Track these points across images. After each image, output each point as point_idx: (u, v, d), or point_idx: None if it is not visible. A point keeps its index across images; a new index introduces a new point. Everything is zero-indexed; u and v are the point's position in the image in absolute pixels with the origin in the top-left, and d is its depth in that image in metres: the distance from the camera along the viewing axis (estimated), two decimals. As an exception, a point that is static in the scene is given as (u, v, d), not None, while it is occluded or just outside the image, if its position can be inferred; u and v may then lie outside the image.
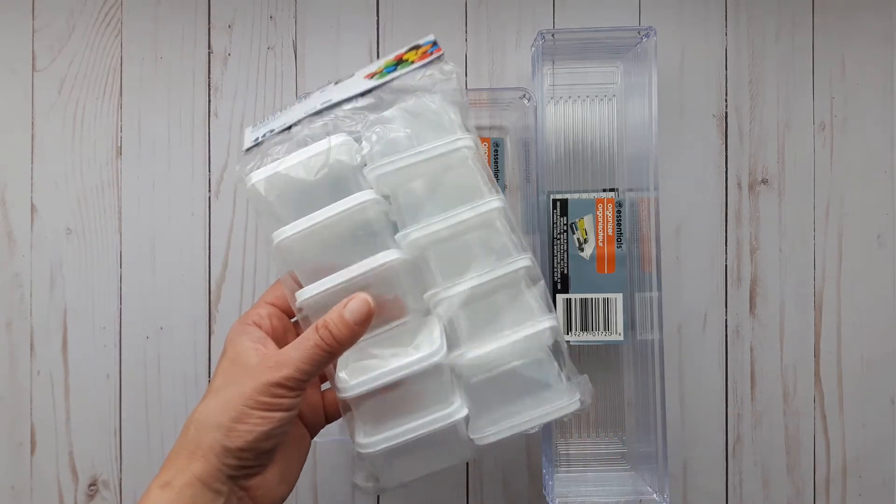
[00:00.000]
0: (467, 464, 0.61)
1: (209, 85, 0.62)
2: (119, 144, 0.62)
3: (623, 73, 0.60)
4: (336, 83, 0.49)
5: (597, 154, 0.60)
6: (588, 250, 0.57)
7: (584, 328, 0.57)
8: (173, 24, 0.62)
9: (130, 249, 0.61)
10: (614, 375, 0.60)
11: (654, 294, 0.54)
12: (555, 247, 0.57)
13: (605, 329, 0.57)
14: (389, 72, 0.46)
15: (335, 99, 0.46)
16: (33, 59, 0.62)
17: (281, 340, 0.45)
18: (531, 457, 0.61)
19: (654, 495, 0.55)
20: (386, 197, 0.45)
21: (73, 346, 0.61)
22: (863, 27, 0.62)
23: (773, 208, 0.62)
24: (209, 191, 0.61)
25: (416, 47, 0.48)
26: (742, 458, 0.61)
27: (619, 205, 0.57)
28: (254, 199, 0.44)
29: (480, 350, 0.44)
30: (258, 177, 0.44)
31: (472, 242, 0.44)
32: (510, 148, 0.60)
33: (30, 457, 0.61)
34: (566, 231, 0.57)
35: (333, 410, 0.47)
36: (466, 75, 0.62)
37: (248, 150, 0.47)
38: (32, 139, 0.62)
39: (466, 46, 0.62)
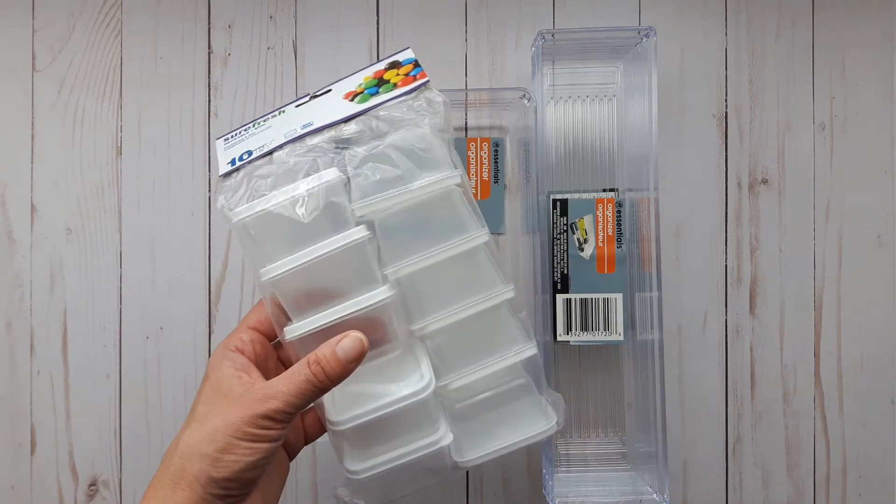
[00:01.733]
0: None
1: (209, 85, 0.62)
2: (119, 144, 0.62)
3: (623, 73, 0.60)
4: (313, 97, 0.48)
5: (597, 154, 0.60)
6: (588, 250, 0.57)
7: (584, 328, 0.57)
8: (173, 24, 0.62)
9: (130, 249, 0.61)
10: (614, 375, 0.60)
11: (654, 294, 0.54)
12: (555, 247, 0.57)
13: (605, 329, 0.57)
14: (371, 93, 0.46)
15: (317, 123, 0.45)
16: (33, 59, 0.62)
17: (263, 366, 0.45)
18: (531, 457, 0.61)
19: (654, 495, 0.55)
20: (373, 230, 0.45)
21: (73, 346, 0.61)
22: (863, 27, 0.62)
23: (773, 208, 0.62)
24: (209, 191, 0.61)
25: (396, 64, 0.48)
26: (742, 458, 0.61)
27: (619, 205, 0.57)
28: (240, 234, 0.44)
29: (466, 380, 0.46)
30: (245, 213, 0.43)
31: (459, 275, 0.46)
32: (510, 148, 0.60)
33: (30, 457, 0.61)
34: (566, 231, 0.57)
35: (314, 431, 0.48)
36: (466, 75, 0.62)
37: (225, 174, 0.46)
38: (32, 139, 0.62)
39: (466, 46, 0.62)
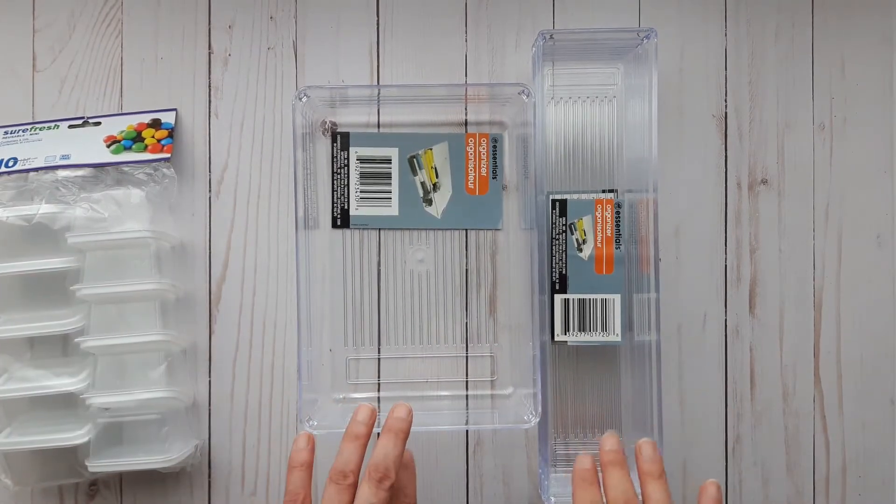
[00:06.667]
0: (467, 464, 0.61)
1: (209, 85, 0.62)
2: (119, 145, 0.62)
3: (623, 74, 0.60)
4: (85, 122, 0.59)
5: (596, 155, 0.60)
6: (587, 251, 0.57)
7: (582, 329, 0.57)
8: (173, 24, 0.62)
9: (131, 249, 0.61)
10: (612, 376, 0.60)
11: (652, 295, 0.54)
12: (553, 247, 0.57)
13: (602, 330, 0.57)
14: (126, 146, 0.58)
15: (73, 159, 0.58)
16: (34, 59, 0.62)
17: None
18: (531, 457, 0.61)
19: (653, 495, 0.55)
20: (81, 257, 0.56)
21: (74, 345, 0.61)
22: (863, 27, 0.62)
23: (773, 208, 0.62)
24: (209, 191, 0.62)
25: (157, 123, 0.59)
26: (742, 457, 0.61)
27: (619, 206, 0.57)
28: None
29: (112, 398, 0.55)
30: None
31: (130, 310, 0.57)
32: (509, 144, 0.61)
33: (31, 456, 0.61)
34: (565, 231, 0.57)
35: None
36: (466, 76, 0.62)
37: None
38: (33, 139, 0.62)
39: (466, 46, 0.62)
